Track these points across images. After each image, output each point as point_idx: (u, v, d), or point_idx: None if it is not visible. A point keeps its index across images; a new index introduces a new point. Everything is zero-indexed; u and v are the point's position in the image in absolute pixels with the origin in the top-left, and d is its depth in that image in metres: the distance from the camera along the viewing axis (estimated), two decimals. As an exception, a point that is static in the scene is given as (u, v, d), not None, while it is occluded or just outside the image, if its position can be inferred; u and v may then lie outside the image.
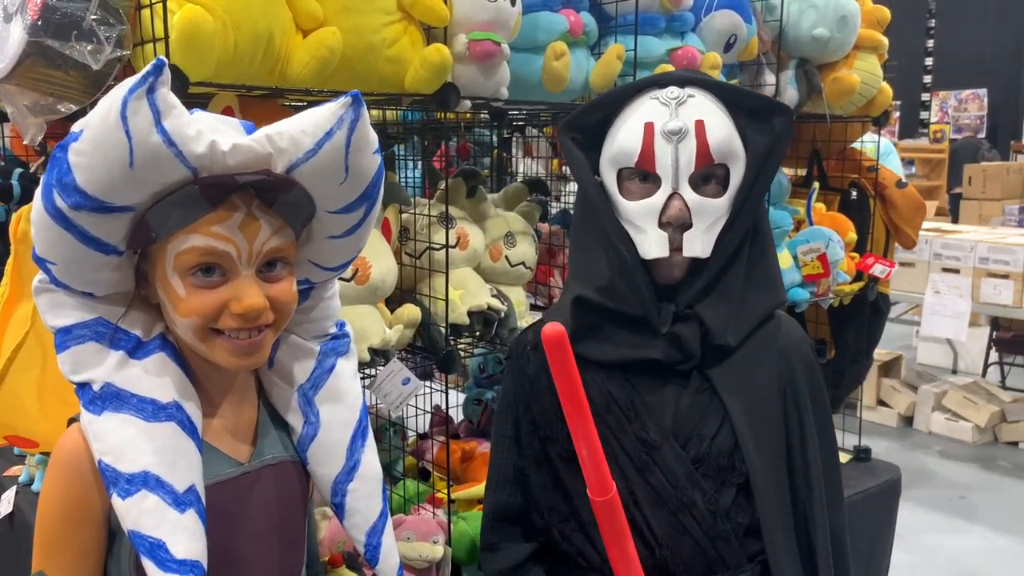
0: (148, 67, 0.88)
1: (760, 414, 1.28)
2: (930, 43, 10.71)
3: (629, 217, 1.25)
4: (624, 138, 1.25)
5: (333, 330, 1.18)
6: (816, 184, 2.75)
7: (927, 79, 10.93)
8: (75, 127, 0.91)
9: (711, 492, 1.23)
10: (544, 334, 1.05)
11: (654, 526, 1.23)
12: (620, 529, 1.12)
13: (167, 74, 0.89)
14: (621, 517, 1.11)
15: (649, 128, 1.22)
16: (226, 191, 0.94)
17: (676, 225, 1.22)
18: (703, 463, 1.25)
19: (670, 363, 1.26)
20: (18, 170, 2.47)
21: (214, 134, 0.93)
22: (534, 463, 1.34)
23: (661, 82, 1.26)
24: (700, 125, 1.21)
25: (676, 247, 1.23)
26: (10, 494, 2.19)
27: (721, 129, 1.23)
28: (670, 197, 1.22)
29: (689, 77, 1.28)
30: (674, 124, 1.21)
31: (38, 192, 0.93)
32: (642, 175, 1.24)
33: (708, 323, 1.24)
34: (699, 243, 1.23)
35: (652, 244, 1.23)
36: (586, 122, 1.31)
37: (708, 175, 1.24)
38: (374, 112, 2.54)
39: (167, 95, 0.89)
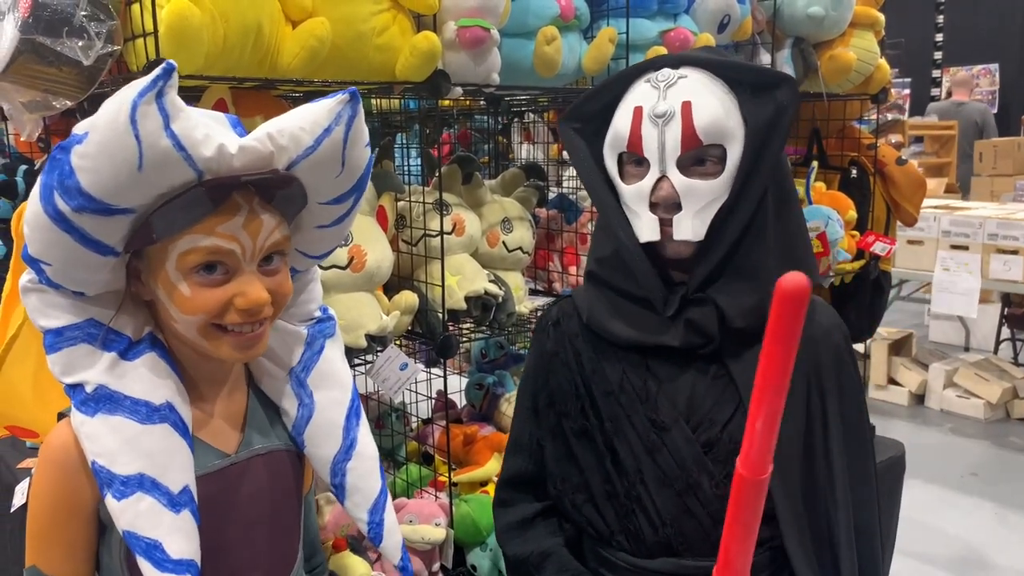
0: (158, 70, 0.87)
1: None
2: (940, 19, 10.59)
3: (626, 201, 1.25)
4: (618, 123, 1.25)
5: (318, 313, 1.20)
6: (815, 163, 2.74)
7: (937, 55, 10.80)
8: (78, 129, 0.90)
9: (719, 476, 1.23)
10: (782, 282, 0.81)
11: (659, 505, 1.24)
12: (754, 516, 0.95)
13: (175, 78, 0.89)
14: (760, 504, 0.95)
15: (638, 112, 1.22)
16: (229, 190, 0.96)
17: (665, 208, 1.21)
18: (713, 448, 1.24)
19: (689, 348, 1.24)
20: (23, 167, 2.50)
21: (220, 137, 0.93)
22: (550, 434, 1.36)
23: (656, 65, 1.26)
24: (687, 106, 1.19)
25: (668, 229, 1.22)
26: (23, 486, 2.22)
27: (711, 109, 1.20)
28: (658, 180, 1.21)
29: (687, 57, 1.26)
30: (661, 107, 1.20)
31: (35, 193, 0.92)
32: (636, 159, 1.24)
33: (722, 306, 1.22)
34: (689, 226, 1.21)
35: (644, 227, 1.23)
36: (587, 111, 1.31)
37: (700, 157, 1.21)
38: (372, 101, 2.56)
39: (175, 99, 0.89)
